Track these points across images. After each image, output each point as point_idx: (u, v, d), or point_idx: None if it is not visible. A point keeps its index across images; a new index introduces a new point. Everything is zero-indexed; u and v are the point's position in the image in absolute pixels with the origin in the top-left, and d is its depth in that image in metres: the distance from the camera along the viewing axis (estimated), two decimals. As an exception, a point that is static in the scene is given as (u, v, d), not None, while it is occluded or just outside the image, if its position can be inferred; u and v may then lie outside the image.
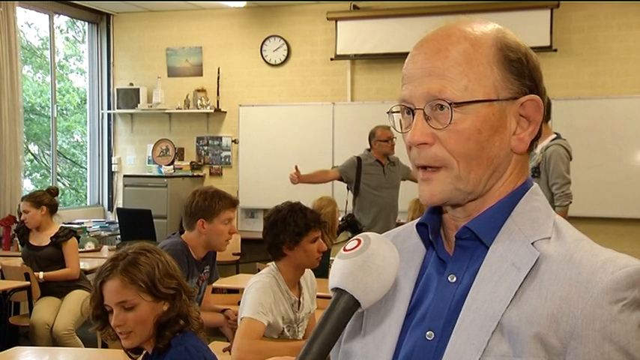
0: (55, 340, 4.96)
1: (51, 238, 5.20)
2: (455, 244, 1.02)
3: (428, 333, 0.99)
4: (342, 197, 5.93)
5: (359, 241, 0.95)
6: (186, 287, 2.19)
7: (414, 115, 0.99)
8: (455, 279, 1.00)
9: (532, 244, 0.97)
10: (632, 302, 0.90)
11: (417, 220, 1.10)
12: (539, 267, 0.95)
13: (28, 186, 8.25)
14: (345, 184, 5.99)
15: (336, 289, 0.93)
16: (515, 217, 1.00)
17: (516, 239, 0.98)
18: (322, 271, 3.68)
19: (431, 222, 1.06)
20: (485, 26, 1.02)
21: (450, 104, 0.96)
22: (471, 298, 0.96)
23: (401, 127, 1.03)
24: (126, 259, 2.11)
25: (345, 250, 0.95)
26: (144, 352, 2.21)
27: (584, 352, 0.90)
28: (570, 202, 4.98)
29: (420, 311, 1.02)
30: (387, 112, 1.06)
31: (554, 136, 5.15)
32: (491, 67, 0.98)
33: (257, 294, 2.89)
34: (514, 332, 0.92)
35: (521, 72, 1.00)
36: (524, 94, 1.00)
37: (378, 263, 0.92)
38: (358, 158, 5.88)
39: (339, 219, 5.56)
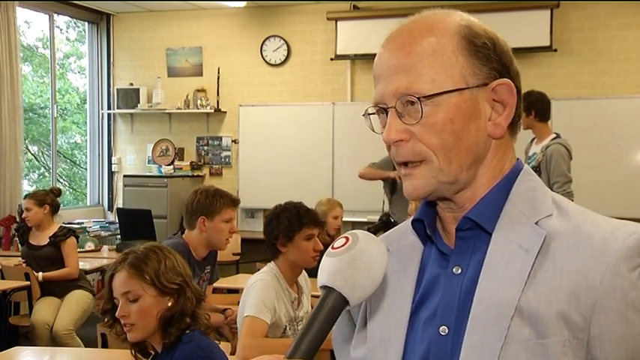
0: (54, 340, 4.96)
1: (50, 237, 5.20)
2: (455, 236, 1.01)
3: (442, 328, 0.98)
4: (343, 199, 5.91)
5: (347, 238, 0.95)
6: (194, 287, 2.24)
7: (387, 113, 0.99)
8: (460, 270, 0.99)
9: (536, 223, 0.96)
10: None
11: (410, 219, 1.08)
12: (549, 245, 0.94)
13: (27, 186, 8.25)
14: (382, 183, 5.97)
15: (324, 287, 0.93)
16: (513, 200, 0.99)
17: (519, 221, 0.97)
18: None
19: (426, 217, 1.05)
20: (448, 16, 1.01)
21: (418, 98, 0.96)
22: (482, 286, 0.95)
23: (375, 128, 1.03)
24: (135, 254, 2.20)
25: (333, 248, 0.95)
26: (152, 355, 2.25)
27: (608, 322, 0.89)
28: (572, 201, 4.99)
29: (427, 308, 1.00)
30: (363, 115, 1.06)
31: (554, 135, 5.16)
32: (457, 56, 0.97)
33: (260, 292, 2.90)
34: (534, 314, 0.91)
35: (488, 57, 0.98)
36: (494, 79, 0.99)
37: (365, 260, 0.92)
38: None
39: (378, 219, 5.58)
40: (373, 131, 1.05)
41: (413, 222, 1.06)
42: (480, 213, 0.99)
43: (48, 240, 5.20)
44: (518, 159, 1.05)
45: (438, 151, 0.97)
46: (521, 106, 1.03)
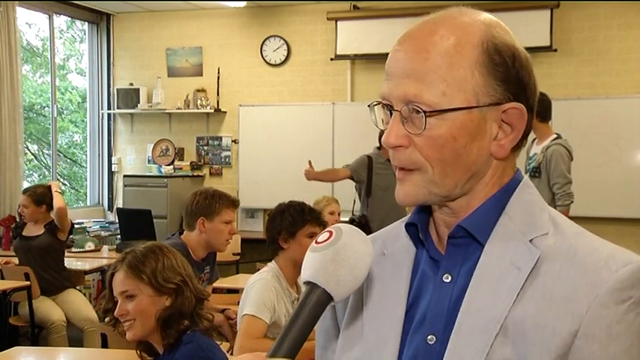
0: (70, 337, 5.04)
1: (45, 225, 5.23)
2: (447, 243, 0.99)
3: (429, 337, 0.96)
4: (342, 198, 5.89)
5: (330, 233, 0.92)
6: (194, 287, 2.23)
7: (391, 113, 0.97)
8: (450, 278, 0.97)
9: (530, 241, 0.93)
10: (637, 301, 0.88)
11: (405, 219, 1.06)
12: (541, 266, 0.91)
13: (27, 186, 8.23)
14: (354, 185, 5.85)
15: (308, 283, 0.90)
16: (509, 213, 0.97)
17: (513, 237, 0.95)
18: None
19: (420, 221, 1.03)
20: (475, 20, 0.96)
21: (425, 111, 0.92)
22: (470, 299, 0.93)
23: (378, 122, 1.02)
24: (134, 254, 2.21)
25: (316, 242, 0.93)
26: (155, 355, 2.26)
27: (589, 351, 0.87)
28: (572, 202, 4.98)
29: (417, 313, 0.99)
30: (368, 106, 1.03)
31: (555, 136, 5.15)
32: (472, 72, 0.93)
33: (260, 291, 2.90)
34: (519, 335, 0.89)
35: (506, 77, 0.94)
36: (508, 100, 0.95)
37: (350, 255, 0.89)
38: (369, 157, 5.65)
39: (348, 219, 5.49)
40: (376, 125, 1.03)
41: (406, 226, 1.05)
42: (474, 223, 0.97)
43: (44, 229, 5.22)
44: (517, 170, 1.02)
45: (435, 164, 0.94)
46: (531, 122, 1.00)
